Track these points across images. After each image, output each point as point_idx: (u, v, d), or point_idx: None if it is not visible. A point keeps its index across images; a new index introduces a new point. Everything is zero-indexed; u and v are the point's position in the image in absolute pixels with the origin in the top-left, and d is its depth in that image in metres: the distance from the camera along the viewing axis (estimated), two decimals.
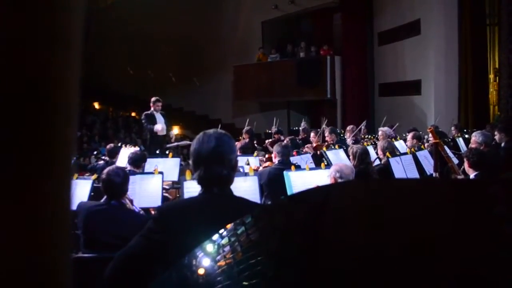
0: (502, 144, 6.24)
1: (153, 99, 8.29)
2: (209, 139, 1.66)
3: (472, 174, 4.16)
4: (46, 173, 0.38)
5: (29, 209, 0.37)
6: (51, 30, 0.38)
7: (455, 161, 5.15)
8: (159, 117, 8.36)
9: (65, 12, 0.39)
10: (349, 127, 7.82)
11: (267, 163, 5.32)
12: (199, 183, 1.68)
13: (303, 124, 9.84)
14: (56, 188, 0.39)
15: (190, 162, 1.73)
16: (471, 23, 11.31)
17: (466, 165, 4.23)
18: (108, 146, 6.45)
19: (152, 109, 8.20)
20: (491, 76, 12.01)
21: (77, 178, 4.15)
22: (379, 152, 5.42)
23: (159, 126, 7.95)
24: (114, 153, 6.12)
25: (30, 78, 0.37)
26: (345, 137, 7.92)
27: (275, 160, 4.73)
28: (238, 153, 5.78)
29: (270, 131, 8.56)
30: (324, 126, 8.63)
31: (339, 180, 3.22)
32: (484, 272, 0.55)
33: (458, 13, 11.40)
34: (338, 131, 8.79)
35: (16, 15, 0.35)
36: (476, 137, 5.53)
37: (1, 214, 0.36)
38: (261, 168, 5.05)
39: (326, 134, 7.36)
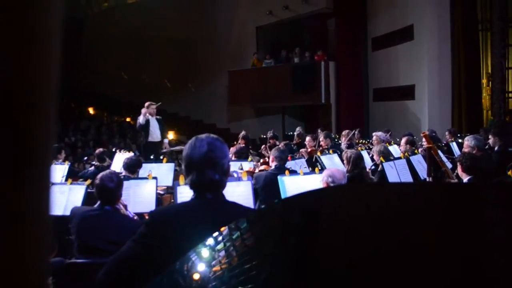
0: (496, 148, 6.29)
1: (146, 103, 8.31)
2: (201, 144, 1.66)
3: (465, 179, 4.18)
4: (22, 174, 0.38)
5: (5, 211, 0.37)
6: (25, 31, 0.37)
7: (449, 165, 5.18)
8: (153, 122, 8.35)
9: (40, 13, 0.38)
10: (344, 132, 7.83)
11: (263, 167, 5.32)
12: (191, 188, 1.68)
13: (298, 129, 9.86)
14: (33, 189, 0.39)
15: (183, 167, 1.73)
16: (464, 29, 11.41)
17: (459, 169, 4.25)
18: (97, 151, 6.41)
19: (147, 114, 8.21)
20: (484, 81, 12.10)
21: (71, 184, 4.13)
22: (375, 156, 5.43)
23: (141, 119, 8.05)
24: (103, 158, 6.08)
25: (3, 79, 0.36)
26: (340, 141, 7.94)
27: (272, 165, 4.73)
28: (232, 158, 5.80)
29: (265, 136, 8.57)
30: (319, 131, 8.66)
31: (331, 185, 3.23)
32: (475, 274, 0.55)
33: (450, 18, 11.50)
34: (333, 136, 8.82)
35: None
36: (468, 141, 5.57)
37: None
38: (257, 171, 5.04)
39: (321, 139, 7.38)
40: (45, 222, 0.41)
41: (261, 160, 6.13)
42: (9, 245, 0.37)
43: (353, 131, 8.00)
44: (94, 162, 6.42)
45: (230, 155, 6.06)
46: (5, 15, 0.36)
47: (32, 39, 0.38)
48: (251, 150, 8.35)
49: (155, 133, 8.32)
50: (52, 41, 0.39)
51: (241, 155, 5.90)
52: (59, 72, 0.40)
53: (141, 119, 8.16)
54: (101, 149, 6.64)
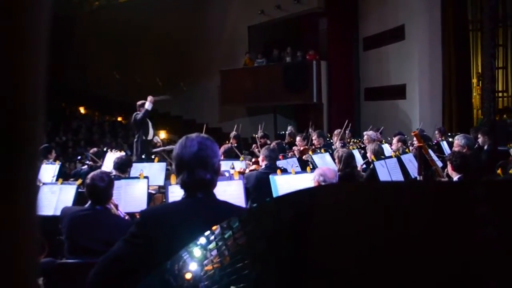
0: (485, 147, 6.35)
1: (138, 103, 8.26)
2: (192, 144, 1.65)
3: (455, 177, 4.21)
4: (9, 175, 0.37)
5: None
6: (10, 31, 0.37)
7: (439, 164, 5.22)
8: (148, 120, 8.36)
9: (26, 13, 0.38)
10: (336, 131, 7.85)
11: (254, 166, 5.32)
12: (182, 187, 1.67)
13: (289, 129, 9.87)
14: (22, 190, 0.39)
15: (173, 166, 1.72)
16: (454, 29, 11.50)
17: (449, 168, 4.28)
18: (91, 150, 6.39)
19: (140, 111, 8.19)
20: (474, 80, 12.21)
21: (61, 184, 4.10)
22: (369, 154, 5.44)
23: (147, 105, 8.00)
24: (97, 157, 6.06)
25: None
26: (332, 141, 7.95)
27: (262, 164, 4.73)
28: (222, 157, 5.79)
29: (256, 135, 8.56)
30: (311, 130, 8.67)
31: (323, 184, 3.24)
32: (465, 273, 0.56)
33: (441, 18, 11.59)
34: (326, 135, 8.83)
35: None
36: (458, 140, 5.62)
37: None
38: (247, 171, 5.04)
39: (313, 138, 7.39)
40: (33, 222, 0.40)
41: (253, 160, 6.14)
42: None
43: (344, 127, 7.99)
44: (87, 162, 6.39)
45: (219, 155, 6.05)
46: None
47: (19, 39, 0.37)
48: (243, 150, 8.35)
49: (150, 131, 8.30)
50: (40, 41, 0.39)
51: (230, 155, 5.90)
52: (47, 72, 0.40)
53: (148, 105, 7.99)
54: (95, 149, 6.62)
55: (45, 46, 0.39)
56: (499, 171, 4.20)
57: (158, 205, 3.41)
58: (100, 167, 5.57)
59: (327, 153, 5.71)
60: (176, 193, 2.73)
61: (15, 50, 0.37)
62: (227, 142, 8.28)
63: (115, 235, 1.95)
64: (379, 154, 5.17)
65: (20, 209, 0.39)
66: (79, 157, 8.37)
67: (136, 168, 4.89)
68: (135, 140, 8.24)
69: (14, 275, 0.38)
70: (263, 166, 4.68)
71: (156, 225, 1.59)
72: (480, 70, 11.91)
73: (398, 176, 4.84)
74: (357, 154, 5.91)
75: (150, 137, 8.25)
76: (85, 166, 6.21)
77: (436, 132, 8.77)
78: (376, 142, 6.20)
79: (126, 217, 3.38)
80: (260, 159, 4.94)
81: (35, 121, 0.39)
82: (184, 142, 1.67)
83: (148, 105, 7.97)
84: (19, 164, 0.38)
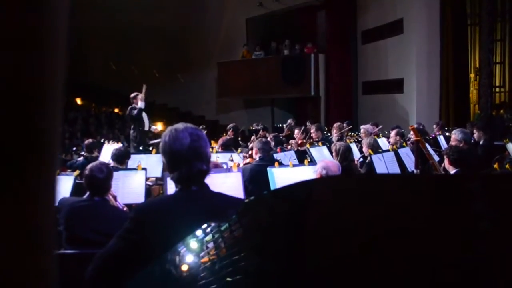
0: (481, 142, 6.36)
1: (132, 95, 8.32)
2: (183, 136, 1.61)
3: (452, 171, 4.23)
4: (30, 172, 0.38)
5: (14, 209, 0.37)
6: (35, 31, 0.37)
7: (436, 158, 5.23)
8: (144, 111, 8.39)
9: (49, 12, 0.38)
10: (335, 124, 7.82)
11: (248, 160, 5.32)
12: (178, 182, 1.64)
13: (289, 121, 9.85)
14: (41, 187, 0.39)
15: (164, 160, 1.68)
16: (453, 23, 11.48)
17: (446, 162, 4.30)
18: (86, 141, 6.36)
19: (134, 104, 8.22)
20: (472, 75, 12.21)
21: (59, 174, 4.10)
22: (365, 148, 5.46)
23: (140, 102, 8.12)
24: (92, 148, 6.03)
25: (12, 79, 0.36)
26: (331, 134, 7.95)
27: (256, 157, 4.73)
28: (219, 150, 5.79)
29: (253, 128, 8.57)
30: (309, 123, 8.67)
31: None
32: (459, 268, 0.56)
33: (440, 13, 11.56)
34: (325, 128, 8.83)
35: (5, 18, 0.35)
36: (455, 135, 5.63)
37: None
38: (241, 165, 5.04)
39: (312, 131, 7.38)
40: (52, 220, 0.41)
41: (250, 152, 6.14)
42: (17, 246, 0.37)
43: (344, 124, 8.00)
44: (83, 153, 6.37)
45: (217, 147, 6.07)
46: (18, 16, 0.36)
47: (42, 39, 0.38)
48: (241, 142, 8.36)
49: (146, 122, 8.37)
50: (61, 40, 0.39)
51: (228, 147, 5.91)
52: (65, 70, 0.41)
53: (140, 104, 8.17)
54: (90, 140, 6.59)
55: (65, 44, 0.40)
56: (495, 165, 4.22)
57: (152, 199, 3.41)
58: (96, 158, 5.56)
59: (325, 146, 5.72)
60: (174, 184, 2.73)
61: (37, 48, 0.37)
62: (224, 134, 8.29)
63: (114, 226, 1.95)
64: (375, 148, 5.19)
65: (40, 206, 0.39)
66: (74, 148, 8.35)
67: (134, 160, 4.88)
68: (131, 132, 8.29)
69: (34, 268, 0.39)
70: (257, 159, 4.67)
71: (151, 219, 1.58)
72: (477, 65, 11.90)
73: (395, 170, 4.86)
74: (354, 147, 5.92)
75: (146, 128, 8.31)
76: (81, 158, 6.20)
77: (434, 126, 8.79)
78: (372, 136, 6.21)
79: (125, 209, 3.39)
80: (254, 152, 4.93)
81: (55, 122, 0.40)
82: (174, 134, 1.62)
83: (141, 104, 8.12)
84: (39, 164, 0.38)
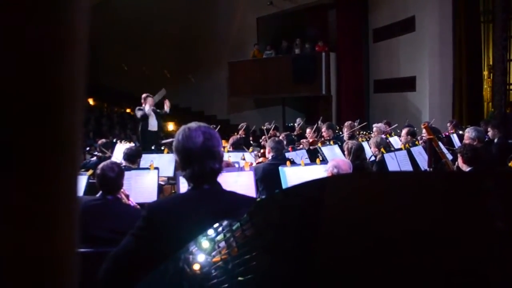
0: (495, 140, 6.29)
1: (143, 95, 8.32)
2: (197, 134, 1.63)
3: (466, 170, 4.19)
4: (50, 172, 0.38)
5: (40, 205, 0.37)
6: (59, 32, 0.38)
7: (449, 157, 5.18)
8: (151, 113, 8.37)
9: (72, 13, 0.39)
10: (347, 123, 7.78)
11: (261, 159, 5.32)
12: (191, 180, 1.65)
13: (298, 120, 9.84)
14: (62, 187, 0.40)
15: (177, 159, 1.69)
16: (466, 20, 11.34)
17: (460, 160, 4.26)
18: (100, 141, 6.41)
19: (144, 105, 8.23)
20: (485, 73, 12.05)
21: None
22: (373, 148, 5.43)
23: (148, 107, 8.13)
24: (106, 149, 6.08)
25: (40, 81, 0.37)
26: (342, 132, 7.91)
27: (269, 156, 4.73)
28: (230, 149, 5.81)
29: (264, 127, 8.57)
30: (320, 122, 8.64)
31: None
32: (476, 267, 0.55)
33: (452, 10, 11.43)
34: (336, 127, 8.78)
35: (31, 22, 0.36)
36: (469, 133, 5.57)
37: (12, 212, 0.36)
38: (254, 164, 5.05)
39: (323, 130, 7.35)
40: (75, 218, 0.41)
41: (262, 151, 6.14)
42: (42, 244, 0.38)
43: (355, 122, 7.96)
44: (96, 153, 6.43)
45: (228, 146, 6.09)
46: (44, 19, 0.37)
47: (66, 39, 0.39)
48: (252, 141, 8.36)
49: (152, 122, 8.35)
50: (83, 39, 0.40)
51: (238, 146, 5.93)
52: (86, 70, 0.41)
53: (147, 109, 8.16)
54: (103, 140, 6.64)
55: (86, 43, 0.41)
56: (511, 163, 4.16)
57: (164, 198, 3.43)
58: (109, 158, 5.60)
59: (336, 145, 5.70)
60: (187, 183, 2.74)
61: (60, 49, 0.38)
62: (235, 134, 8.30)
63: (126, 224, 1.96)
64: (383, 147, 5.15)
65: (65, 201, 0.40)
66: (87, 148, 8.41)
67: (146, 159, 4.91)
68: (139, 129, 8.36)
69: (55, 267, 0.40)
70: (270, 158, 4.67)
71: (163, 218, 1.58)
72: (491, 62, 11.74)
73: (408, 169, 4.82)
74: (366, 146, 5.89)
75: (154, 128, 8.31)
76: (94, 158, 6.25)
77: (448, 124, 8.72)
78: (379, 135, 6.16)
79: (137, 207, 3.41)
80: (266, 151, 4.93)
81: (76, 122, 0.40)
82: (187, 133, 1.64)
83: (148, 109, 8.09)
84: (61, 164, 0.39)
